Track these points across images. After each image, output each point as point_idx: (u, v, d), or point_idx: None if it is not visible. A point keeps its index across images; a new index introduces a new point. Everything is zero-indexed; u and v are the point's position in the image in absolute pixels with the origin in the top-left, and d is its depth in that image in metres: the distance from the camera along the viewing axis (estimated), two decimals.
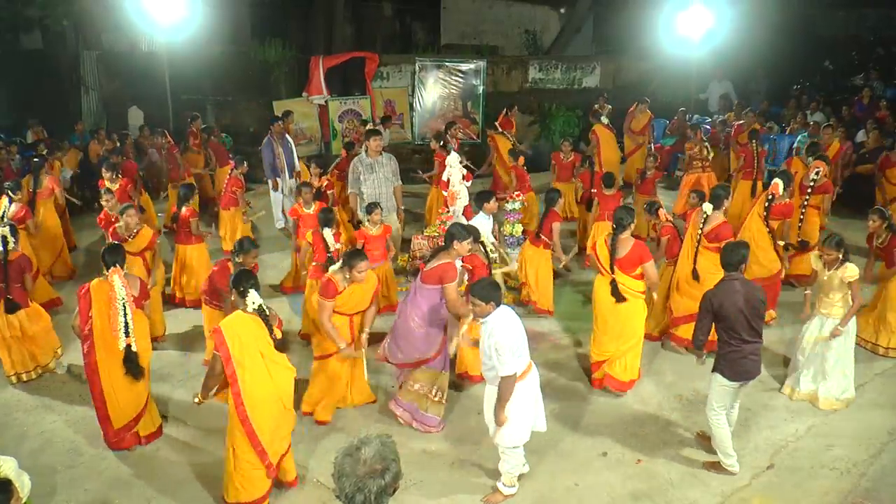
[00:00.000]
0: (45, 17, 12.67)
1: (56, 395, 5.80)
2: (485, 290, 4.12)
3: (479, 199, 6.78)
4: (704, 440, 5.02)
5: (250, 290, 4.18)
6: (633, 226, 5.49)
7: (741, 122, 10.74)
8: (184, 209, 7.04)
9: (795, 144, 10.55)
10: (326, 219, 6.25)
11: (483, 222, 6.58)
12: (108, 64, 13.51)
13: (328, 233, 6.11)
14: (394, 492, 2.20)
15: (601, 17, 18.30)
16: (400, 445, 4.77)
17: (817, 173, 7.59)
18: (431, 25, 18.32)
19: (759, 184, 9.11)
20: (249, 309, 4.17)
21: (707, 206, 6.14)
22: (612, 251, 5.45)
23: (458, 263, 5.31)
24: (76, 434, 5.24)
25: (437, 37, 17.99)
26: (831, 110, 12.86)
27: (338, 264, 5.04)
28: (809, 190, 7.55)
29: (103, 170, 7.90)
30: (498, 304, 4.16)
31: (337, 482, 2.16)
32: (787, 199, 7.05)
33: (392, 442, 2.26)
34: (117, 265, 4.87)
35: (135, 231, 6.32)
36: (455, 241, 4.99)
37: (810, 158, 8.34)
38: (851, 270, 5.26)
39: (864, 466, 4.83)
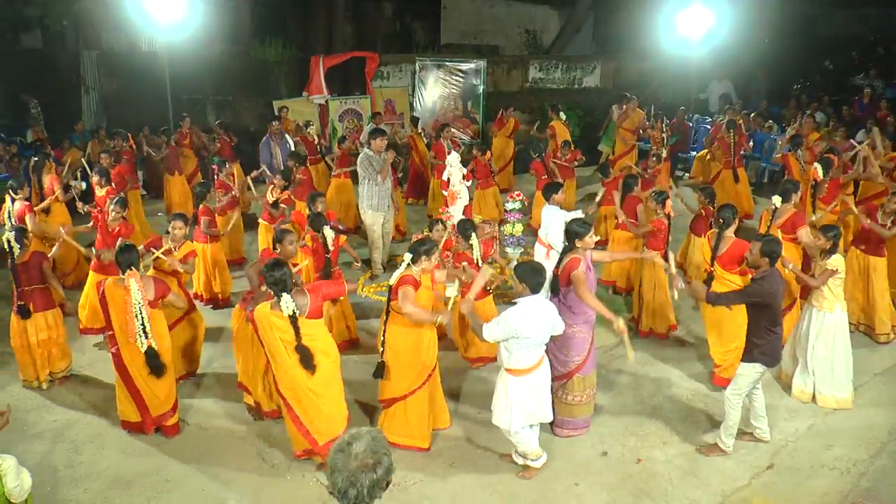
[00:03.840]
0: (44, 17, 12.67)
1: (56, 395, 5.79)
2: (524, 272, 4.27)
3: (547, 191, 6.98)
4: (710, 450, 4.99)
5: (283, 295, 4.26)
6: (735, 225, 5.79)
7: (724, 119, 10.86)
8: (201, 206, 7.21)
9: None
10: (320, 221, 6.16)
11: (554, 213, 6.66)
12: (108, 63, 13.51)
13: (329, 231, 6.04)
14: (387, 485, 2.21)
15: (601, 17, 18.28)
16: None
17: (832, 165, 7.69)
18: (431, 25, 18.30)
19: (741, 171, 10.05)
20: (284, 314, 4.27)
21: (776, 199, 6.25)
22: (715, 248, 5.74)
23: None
24: (76, 434, 5.24)
25: (437, 36, 17.97)
26: (832, 110, 12.87)
27: (403, 265, 4.77)
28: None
29: (93, 174, 7.82)
30: (534, 290, 4.24)
31: (329, 478, 2.18)
32: (841, 180, 7.46)
33: (383, 436, 2.27)
34: (133, 267, 4.82)
35: (180, 244, 6.03)
36: (577, 240, 4.94)
37: (799, 151, 8.71)
38: (834, 261, 5.37)
39: (864, 466, 4.83)
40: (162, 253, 5.76)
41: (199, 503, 4.54)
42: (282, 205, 7.73)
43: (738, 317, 5.57)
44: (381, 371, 4.86)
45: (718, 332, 5.78)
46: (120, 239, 6.38)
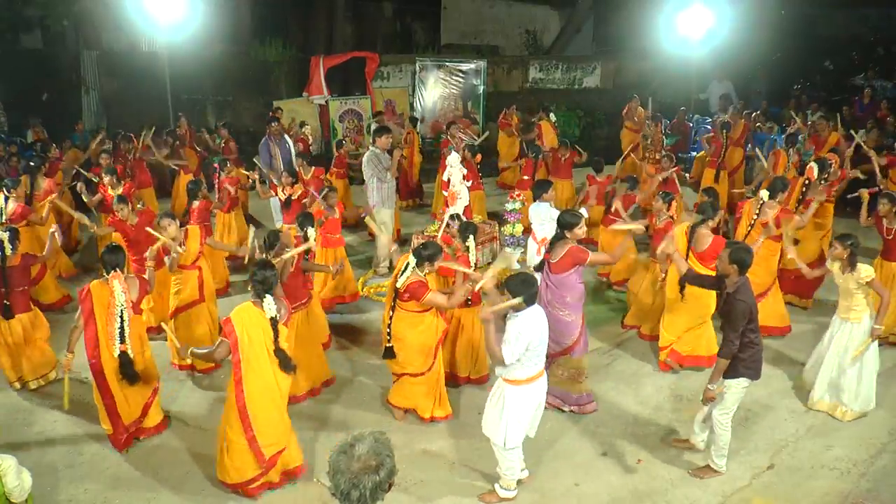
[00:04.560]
0: (44, 17, 12.67)
1: (56, 395, 5.75)
2: (516, 286, 4.15)
3: (537, 189, 7.00)
4: (680, 443, 5.02)
5: (266, 296, 4.26)
6: (714, 220, 5.80)
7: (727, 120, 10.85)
8: (195, 203, 7.18)
9: (797, 146, 10.57)
10: (307, 219, 6.13)
11: (543, 210, 6.68)
12: (108, 64, 13.52)
13: (312, 232, 5.98)
14: (389, 487, 2.21)
15: (601, 17, 18.30)
16: (401, 446, 4.80)
17: (830, 165, 7.66)
18: (431, 25, 18.32)
19: (724, 172, 9.97)
20: (267, 315, 4.26)
21: (764, 193, 6.30)
22: (690, 241, 5.77)
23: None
24: (76, 434, 5.24)
25: (438, 37, 18.00)
26: (827, 109, 12.87)
27: (409, 270, 4.84)
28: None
29: (103, 174, 7.81)
30: (529, 303, 4.13)
31: (332, 480, 2.18)
32: (824, 187, 7.36)
33: (386, 438, 2.27)
34: (118, 269, 4.80)
35: (182, 239, 5.94)
36: (567, 231, 5.11)
37: (791, 150, 8.78)
38: (866, 271, 5.14)
39: (864, 466, 4.83)
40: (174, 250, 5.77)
41: None
42: (299, 201, 7.70)
43: (694, 307, 5.80)
44: (389, 353, 5.14)
45: (673, 315, 5.94)
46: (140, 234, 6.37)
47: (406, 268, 4.89)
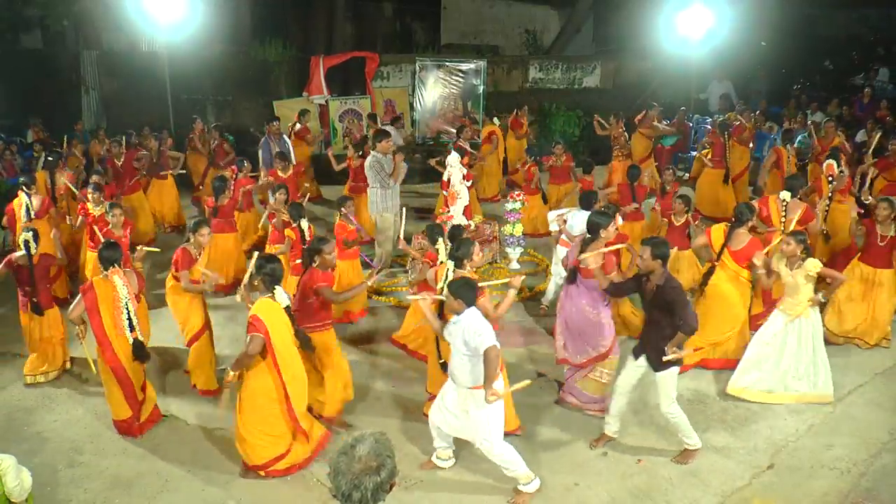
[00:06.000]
0: (44, 17, 12.69)
1: (56, 394, 5.79)
2: (459, 288, 4.25)
3: (584, 200, 6.69)
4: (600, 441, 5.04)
5: (276, 287, 4.48)
6: (751, 222, 5.84)
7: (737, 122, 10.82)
8: (224, 200, 7.47)
9: (795, 144, 10.58)
10: (298, 211, 6.33)
11: (582, 217, 6.64)
12: (108, 64, 13.52)
13: (305, 223, 6.21)
14: (390, 488, 2.21)
15: (601, 17, 18.30)
16: (401, 445, 4.81)
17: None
18: (431, 25, 18.31)
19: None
20: (282, 305, 4.49)
21: (784, 194, 6.31)
22: (727, 240, 5.80)
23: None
24: (76, 434, 5.24)
25: (437, 36, 17.98)
26: (825, 115, 12.89)
27: (450, 273, 4.83)
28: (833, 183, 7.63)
29: (89, 191, 7.47)
30: (469, 305, 4.20)
31: (333, 481, 2.17)
32: (848, 177, 7.60)
33: (387, 439, 2.27)
34: (116, 265, 4.96)
35: (201, 251, 5.88)
36: (602, 230, 5.13)
37: (789, 146, 8.96)
38: (812, 264, 5.28)
39: (864, 466, 4.83)
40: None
41: None
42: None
43: (727, 317, 5.84)
44: (445, 366, 4.82)
45: (713, 313, 5.90)
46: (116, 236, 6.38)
47: (446, 274, 4.86)
